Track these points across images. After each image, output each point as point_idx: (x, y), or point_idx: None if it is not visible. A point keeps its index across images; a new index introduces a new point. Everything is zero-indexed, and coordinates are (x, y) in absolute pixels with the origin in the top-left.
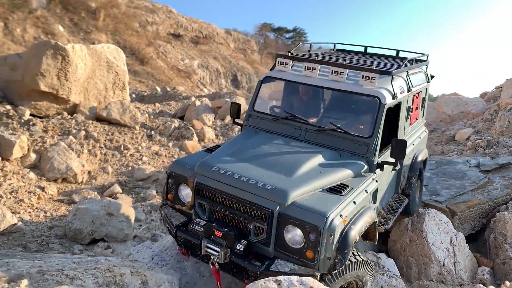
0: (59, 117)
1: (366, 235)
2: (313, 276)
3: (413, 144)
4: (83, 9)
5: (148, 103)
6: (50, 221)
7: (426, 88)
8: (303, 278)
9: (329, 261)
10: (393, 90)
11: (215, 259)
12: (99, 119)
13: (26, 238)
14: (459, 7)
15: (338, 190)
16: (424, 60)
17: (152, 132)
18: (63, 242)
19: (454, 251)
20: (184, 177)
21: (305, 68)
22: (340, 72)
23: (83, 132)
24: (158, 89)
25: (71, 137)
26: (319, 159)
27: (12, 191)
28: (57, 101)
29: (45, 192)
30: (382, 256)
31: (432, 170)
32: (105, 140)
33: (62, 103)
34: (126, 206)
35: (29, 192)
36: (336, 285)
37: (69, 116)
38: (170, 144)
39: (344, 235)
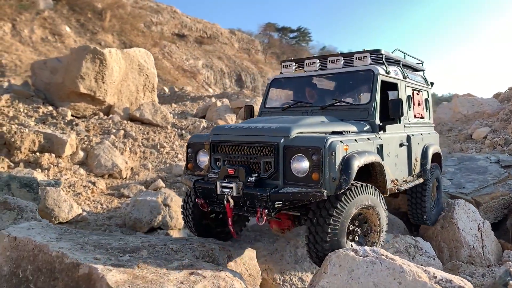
0: (96, 117)
1: (375, 179)
2: (321, 196)
3: (421, 134)
4: (89, 10)
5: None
6: (107, 212)
7: (428, 92)
8: (375, 248)
9: (334, 181)
10: (386, 67)
11: (229, 194)
12: (132, 119)
13: (91, 227)
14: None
15: (339, 132)
16: (421, 66)
17: (183, 131)
18: (124, 230)
19: (481, 236)
20: (201, 143)
21: (306, 65)
22: (337, 60)
23: (122, 132)
24: (166, 89)
25: (112, 136)
26: (322, 118)
27: (70, 185)
28: (94, 102)
29: (96, 187)
30: (420, 239)
31: (456, 166)
32: (142, 139)
33: (98, 104)
34: (179, 198)
35: (84, 186)
36: (349, 209)
37: (106, 117)
38: None
39: (347, 159)
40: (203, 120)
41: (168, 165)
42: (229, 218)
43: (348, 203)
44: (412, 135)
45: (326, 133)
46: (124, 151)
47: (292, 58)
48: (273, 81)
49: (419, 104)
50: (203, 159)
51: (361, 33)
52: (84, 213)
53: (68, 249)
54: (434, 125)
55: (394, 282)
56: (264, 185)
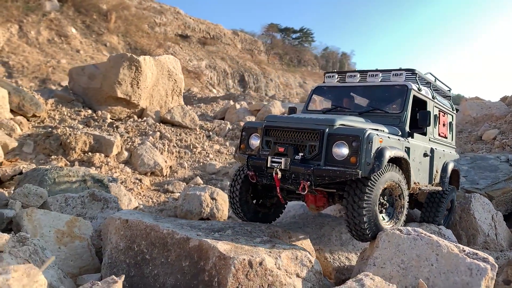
0: (131, 120)
1: (403, 169)
2: (356, 175)
3: (443, 151)
4: (94, 12)
5: None
6: (157, 205)
7: (452, 116)
8: (415, 228)
9: (368, 165)
10: (418, 84)
11: (278, 167)
12: (163, 121)
13: None
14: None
15: (376, 129)
16: (448, 92)
17: (210, 133)
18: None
19: (495, 225)
20: (255, 127)
21: (347, 77)
22: (376, 75)
23: (158, 133)
24: None
25: (150, 137)
26: (361, 119)
27: (122, 182)
28: (129, 106)
29: (142, 183)
30: (442, 228)
31: (469, 164)
32: (176, 140)
33: (133, 107)
34: (223, 193)
35: (133, 182)
36: (380, 184)
37: (140, 119)
38: (228, 143)
39: (381, 149)
40: (228, 122)
41: (201, 164)
42: (277, 187)
43: (379, 177)
44: (436, 148)
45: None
46: (163, 151)
47: (335, 70)
48: (317, 89)
49: (443, 125)
50: (254, 142)
51: (363, 34)
52: (141, 206)
53: (173, 228)
54: (455, 147)
55: (433, 254)
56: (308, 163)
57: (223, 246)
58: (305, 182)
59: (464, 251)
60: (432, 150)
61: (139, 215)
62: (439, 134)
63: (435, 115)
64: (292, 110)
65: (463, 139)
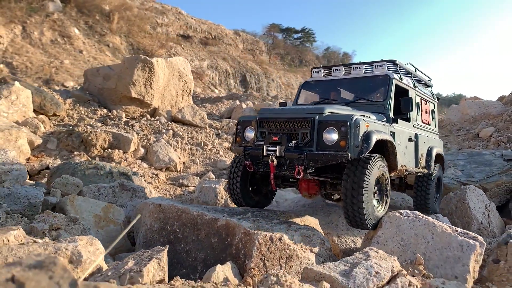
0: (145, 119)
1: (388, 158)
2: (346, 157)
3: (427, 136)
4: (97, 12)
5: None
6: (174, 197)
7: (434, 104)
8: (414, 211)
9: (357, 148)
10: (399, 74)
11: (274, 155)
12: (174, 120)
13: None
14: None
15: (362, 115)
16: (429, 82)
17: (219, 131)
18: None
19: (488, 214)
20: (249, 121)
21: (333, 71)
22: (359, 67)
23: (171, 131)
24: None
25: (164, 135)
26: (348, 107)
27: (141, 176)
28: (142, 106)
29: (159, 178)
30: (439, 215)
31: (466, 160)
32: (188, 138)
33: (145, 107)
34: None
35: (150, 177)
36: (375, 171)
37: (153, 118)
38: None
39: (368, 133)
40: (235, 121)
41: (212, 160)
42: (272, 174)
43: (373, 168)
44: (420, 134)
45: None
46: (177, 148)
47: (321, 66)
48: (305, 84)
49: (426, 112)
50: (249, 134)
51: (365, 34)
52: None
53: (202, 211)
54: (438, 133)
55: (429, 233)
56: (301, 149)
57: (247, 224)
58: (300, 167)
59: (457, 231)
60: (416, 136)
61: (169, 200)
62: (422, 121)
63: (417, 103)
64: (283, 105)
65: (461, 136)
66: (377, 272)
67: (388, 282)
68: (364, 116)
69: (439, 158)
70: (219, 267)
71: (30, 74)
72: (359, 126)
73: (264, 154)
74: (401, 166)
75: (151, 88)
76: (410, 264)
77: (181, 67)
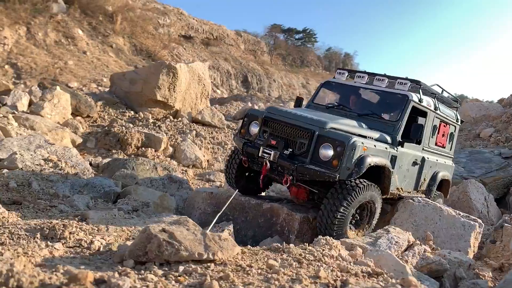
0: (168, 120)
1: (381, 180)
2: (334, 178)
3: (437, 160)
4: (101, 13)
5: None
6: None
7: (455, 127)
8: (425, 198)
9: (348, 170)
10: (420, 95)
11: (268, 158)
12: (195, 121)
13: None
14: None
15: (364, 136)
16: (455, 104)
17: (236, 131)
18: None
19: (487, 205)
20: (256, 116)
21: (356, 77)
22: (382, 79)
23: (194, 132)
24: None
25: (189, 135)
26: (354, 122)
27: (174, 172)
28: (165, 108)
29: (188, 174)
30: (444, 205)
31: (467, 157)
32: (209, 138)
33: (168, 109)
34: None
35: (181, 172)
36: (357, 200)
37: (175, 119)
38: None
39: (362, 158)
40: None
41: None
42: (262, 175)
43: (359, 195)
44: (428, 158)
45: (353, 134)
46: (201, 147)
47: (347, 68)
48: (326, 83)
49: (443, 135)
50: (254, 129)
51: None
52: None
53: (248, 197)
54: (453, 157)
55: (437, 215)
56: (295, 159)
57: (288, 207)
58: (288, 177)
59: (460, 214)
60: (423, 159)
61: (217, 189)
62: (436, 144)
63: (435, 126)
64: (299, 101)
65: (463, 136)
66: (396, 242)
67: (406, 249)
68: (366, 136)
69: (445, 183)
70: (269, 239)
71: (35, 75)
72: (355, 149)
73: (260, 155)
74: (397, 189)
75: (174, 92)
76: (421, 240)
77: (200, 71)
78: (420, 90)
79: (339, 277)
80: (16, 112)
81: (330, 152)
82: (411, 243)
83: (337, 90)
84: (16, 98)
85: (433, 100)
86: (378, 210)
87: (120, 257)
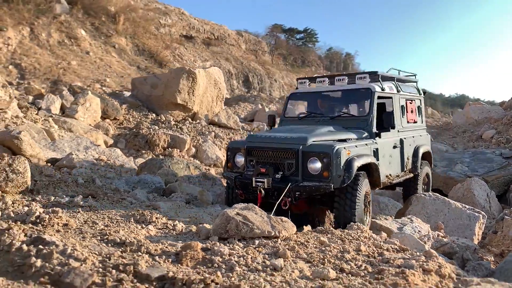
0: (187, 122)
1: (372, 180)
2: (329, 188)
3: (413, 137)
4: (103, 14)
5: None
6: None
7: (420, 100)
8: (435, 193)
9: (339, 177)
10: (381, 85)
11: (261, 186)
12: (211, 123)
13: None
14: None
15: (344, 140)
16: (414, 78)
17: (251, 132)
18: None
19: (489, 200)
20: (238, 147)
21: (317, 82)
22: (342, 79)
23: (213, 133)
24: None
25: (209, 136)
26: (330, 128)
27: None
28: (184, 110)
29: (211, 173)
30: (451, 199)
31: (471, 157)
32: (227, 139)
33: (187, 111)
34: None
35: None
36: (362, 189)
37: (194, 122)
38: None
39: (349, 161)
40: (265, 124)
41: None
42: (258, 203)
43: (362, 185)
44: (405, 138)
45: (333, 140)
46: (221, 147)
47: (306, 77)
48: (291, 95)
49: (412, 111)
50: (239, 159)
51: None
52: None
53: None
54: (425, 127)
55: (446, 208)
56: (288, 180)
57: None
58: (287, 199)
59: (466, 207)
60: (401, 141)
61: None
62: (408, 121)
63: (402, 106)
64: (272, 117)
65: (466, 138)
66: (419, 231)
67: (424, 236)
68: (346, 140)
69: (427, 155)
70: (305, 227)
71: (39, 75)
72: (340, 157)
73: (254, 185)
74: (387, 176)
75: (193, 95)
76: (433, 229)
77: (216, 76)
78: (380, 79)
79: (375, 251)
80: (53, 116)
81: (318, 165)
82: (428, 232)
83: (304, 99)
84: (49, 102)
85: (394, 83)
86: (372, 201)
87: (206, 234)
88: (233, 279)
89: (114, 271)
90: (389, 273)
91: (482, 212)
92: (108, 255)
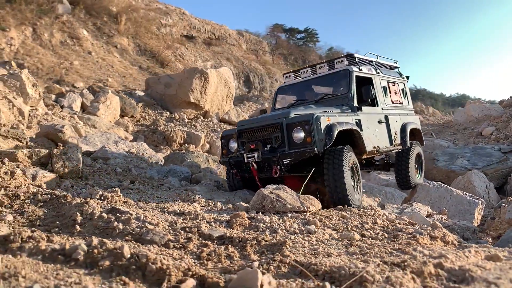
0: (199, 120)
1: (355, 144)
2: (313, 152)
3: (399, 115)
4: (105, 14)
5: None
6: None
7: (404, 83)
8: (439, 182)
9: (321, 141)
10: (358, 65)
11: (253, 160)
12: (222, 121)
13: None
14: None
15: (324, 111)
16: (395, 64)
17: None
18: None
19: (488, 191)
20: (231, 134)
21: (301, 73)
22: (323, 66)
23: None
24: None
25: (221, 133)
26: (312, 107)
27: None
28: (196, 109)
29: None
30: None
31: (471, 152)
32: None
33: (199, 110)
34: None
35: (216, 167)
36: (349, 158)
37: (206, 119)
38: None
39: (329, 126)
40: None
41: None
42: (256, 177)
43: (347, 158)
44: (389, 115)
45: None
46: None
47: (291, 70)
48: (279, 89)
49: (395, 93)
50: (233, 145)
51: (368, 34)
52: None
53: None
54: (413, 109)
55: (448, 195)
56: (276, 152)
57: None
58: (276, 167)
59: (466, 194)
60: (386, 117)
61: None
62: (392, 102)
63: (384, 87)
64: (264, 111)
65: (467, 134)
66: (418, 212)
67: (428, 216)
68: (326, 112)
69: (417, 132)
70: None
71: (41, 75)
72: (320, 122)
73: (246, 161)
74: (374, 147)
75: (205, 94)
76: (437, 214)
77: (226, 76)
78: (357, 61)
79: (389, 224)
80: (77, 113)
81: (302, 133)
82: (430, 213)
83: (291, 91)
84: (71, 100)
85: (373, 66)
86: (359, 171)
87: (245, 209)
88: (278, 238)
89: (182, 232)
90: (402, 237)
91: (481, 199)
92: (174, 221)
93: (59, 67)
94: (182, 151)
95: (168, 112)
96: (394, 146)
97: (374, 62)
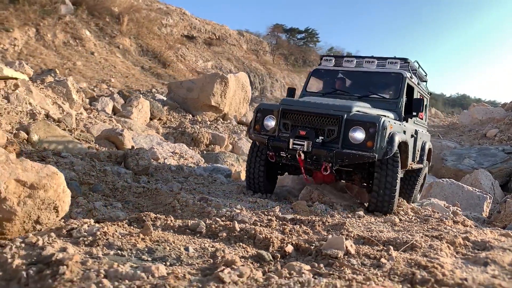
0: (219, 122)
1: (401, 151)
2: (373, 158)
3: (422, 131)
4: (107, 14)
5: None
6: None
7: (427, 99)
8: (451, 180)
9: (382, 149)
10: (410, 72)
11: (301, 149)
12: (239, 123)
13: None
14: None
15: (382, 114)
16: (425, 77)
17: None
18: None
19: (493, 188)
20: (270, 110)
21: (344, 61)
22: (372, 61)
23: (244, 132)
24: None
25: (241, 134)
26: (366, 104)
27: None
28: (216, 111)
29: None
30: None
31: (477, 153)
32: None
33: (219, 112)
34: None
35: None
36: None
37: (225, 121)
38: None
39: (392, 135)
40: None
41: None
42: (302, 167)
43: (399, 169)
44: (419, 130)
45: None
46: None
47: (332, 54)
48: (314, 71)
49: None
50: (269, 123)
51: (368, 33)
52: None
53: None
54: (427, 127)
55: (460, 191)
56: (326, 146)
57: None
58: (327, 164)
59: (476, 190)
60: (416, 132)
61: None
62: (421, 118)
63: (420, 99)
64: (292, 90)
65: (472, 136)
66: (438, 204)
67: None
68: (388, 116)
69: (429, 152)
70: None
71: None
72: (386, 129)
73: (291, 147)
74: (410, 163)
75: (225, 98)
76: (452, 206)
77: (243, 80)
78: (409, 68)
79: (417, 212)
80: (112, 116)
81: (362, 135)
82: (446, 205)
83: (327, 77)
84: (104, 104)
85: (415, 76)
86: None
87: (295, 199)
88: (337, 220)
89: (263, 215)
90: (432, 221)
91: (489, 194)
92: (251, 207)
93: (62, 68)
94: (215, 152)
95: (190, 115)
96: (416, 163)
97: (416, 72)
